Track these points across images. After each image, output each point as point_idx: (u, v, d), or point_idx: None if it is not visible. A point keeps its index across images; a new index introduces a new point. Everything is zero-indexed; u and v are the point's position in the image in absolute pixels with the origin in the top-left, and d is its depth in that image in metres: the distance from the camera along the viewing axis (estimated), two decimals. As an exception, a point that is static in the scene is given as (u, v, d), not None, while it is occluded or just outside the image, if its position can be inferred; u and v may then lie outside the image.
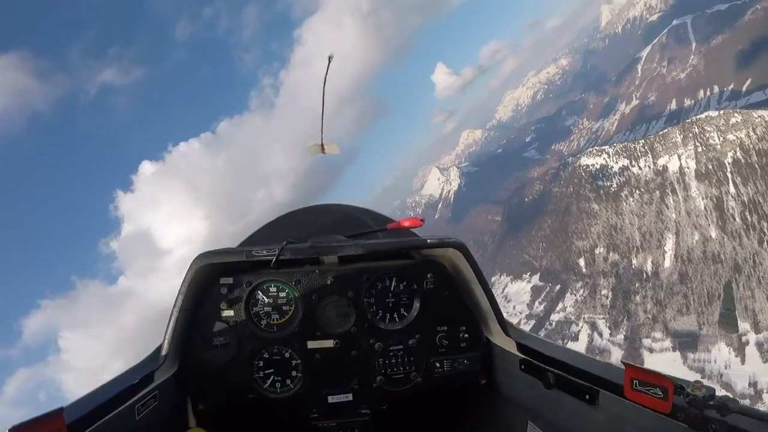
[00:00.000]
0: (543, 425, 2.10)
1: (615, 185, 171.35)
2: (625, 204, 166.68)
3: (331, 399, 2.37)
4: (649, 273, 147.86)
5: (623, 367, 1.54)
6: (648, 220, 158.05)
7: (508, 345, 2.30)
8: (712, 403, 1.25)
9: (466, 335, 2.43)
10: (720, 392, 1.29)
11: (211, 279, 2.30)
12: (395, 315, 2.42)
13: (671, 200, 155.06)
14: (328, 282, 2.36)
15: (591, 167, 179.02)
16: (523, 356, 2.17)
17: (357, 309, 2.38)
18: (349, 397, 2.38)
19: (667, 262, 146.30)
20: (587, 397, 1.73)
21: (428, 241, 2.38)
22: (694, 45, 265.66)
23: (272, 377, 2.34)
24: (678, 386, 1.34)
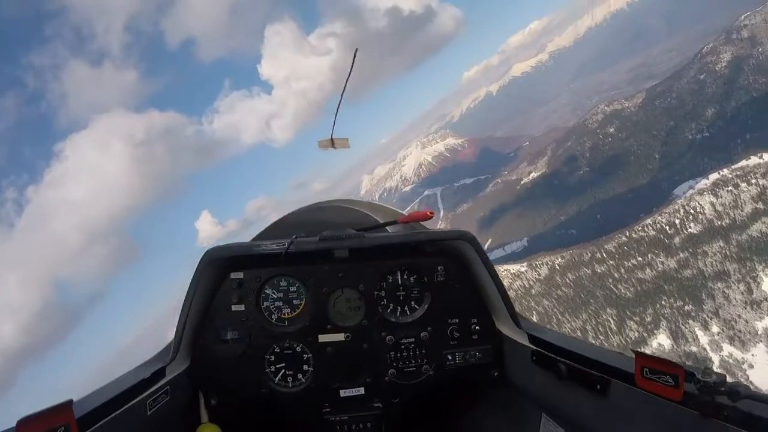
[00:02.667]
0: (556, 416, 2.07)
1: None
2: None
3: (343, 393, 2.34)
4: None
5: (633, 355, 1.52)
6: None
7: (520, 337, 2.26)
8: (723, 389, 1.24)
9: (477, 327, 2.39)
10: (731, 378, 1.27)
11: (222, 274, 2.29)
12: (406, 308, 2.39)
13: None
14: (339, 276, 2.33)
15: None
16: (534, 348, 2.14)
17: (368, 302, 2.35)
18: (361, 390, 2.35)
19: None
20: (598, 387, 1.70)
21: (438, 234, 2.42)
22: (442, 212, 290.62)
23: (284, 371, 2.31)
24: (689, 373, 1.33)
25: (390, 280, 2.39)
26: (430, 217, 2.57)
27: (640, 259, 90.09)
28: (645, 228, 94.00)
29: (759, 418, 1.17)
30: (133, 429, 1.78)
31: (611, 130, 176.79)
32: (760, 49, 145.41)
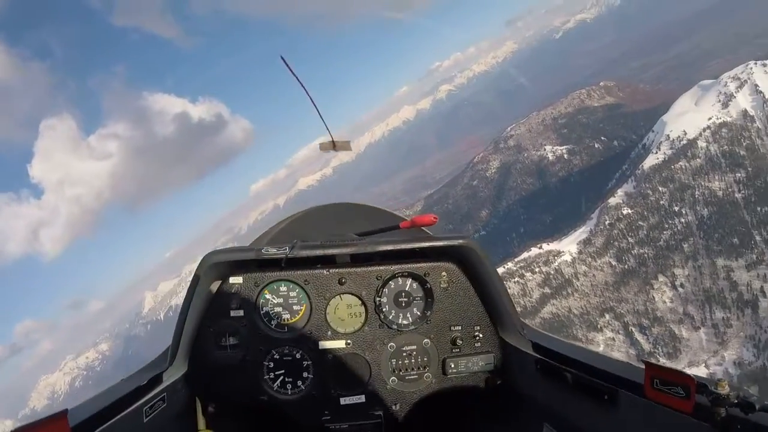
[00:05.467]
0: (561, 426, 2.02)
1: None
2: None
3: (343, 400, 2.30)
4: None
5: (643, 365, 1.47)
6: None
7: (524, 345, 2.22)
8: (736, 401, 1.19)
9: (480, 335, 2.36)
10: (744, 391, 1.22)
11: (221, 279, 2.25)
12: (409, 314, 2.36)
13: None
14: (340, 281, 2.28)
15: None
16: (539, 356, 2.10)
17: (369, 309, 2.31)
18: (362, 398, 2.31)
19: None
20: (606, 397, 1.66)
21: (441, 240, 2.34)
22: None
23: (283, 378, 2.28)
24: (700, 385, 1.28)
25: (392, 286, 2.34)
26: (434, 222, 2.54)
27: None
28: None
29: None
30: None
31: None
32: (525, 154, 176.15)
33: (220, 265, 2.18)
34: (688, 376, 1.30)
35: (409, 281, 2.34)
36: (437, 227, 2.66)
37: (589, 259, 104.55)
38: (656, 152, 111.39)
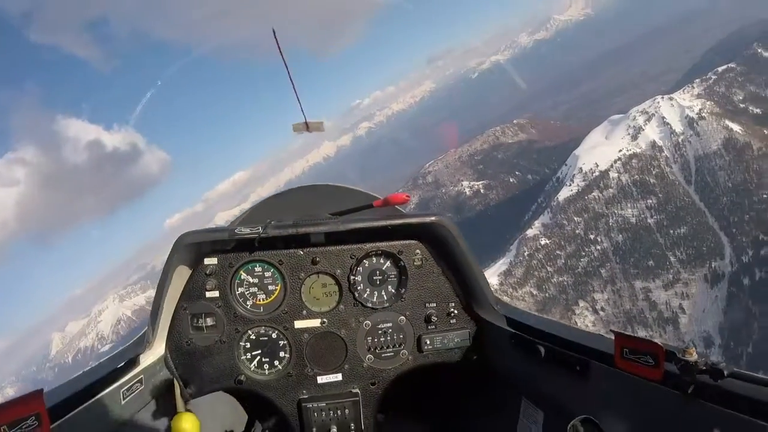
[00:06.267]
0: (536, 399, 2.08)
1: None
2: None
3: (320, 379, 2.34)
4: None
5: (613, 336, 1.50)
6: None
7: (498, 320, 2.26)
8: (704, 368, 1.21)
9: (455, 311, 2.40)
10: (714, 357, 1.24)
11: (195, 260, 2.26)
12: (383, 293, 2.38)
13: None
14: (314, 261, 2.31)
15: None
16: (513, 331, 2.13)
17: (344, 287, 2.34)
18: (339, 376, 2.35)
19: None
20: (578, 368, 1.69)
21: (413, 217, 2.35)
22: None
23: (260, 358, 2.31)
24: (669, 352, 1.31)
25: (366, 265, 2.36)
26: (407, 201, 2.55)
27: None
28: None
29: (742, 397, 1.14)
30: (107, 418, 1.74)
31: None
32: (443, 190, 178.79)
33: (193, 246, 2.19)
34: (657, 344, 1.33)
35: (383, 259, 2.37)
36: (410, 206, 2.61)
37: (510, 289, 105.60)
38: (570, 184, 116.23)
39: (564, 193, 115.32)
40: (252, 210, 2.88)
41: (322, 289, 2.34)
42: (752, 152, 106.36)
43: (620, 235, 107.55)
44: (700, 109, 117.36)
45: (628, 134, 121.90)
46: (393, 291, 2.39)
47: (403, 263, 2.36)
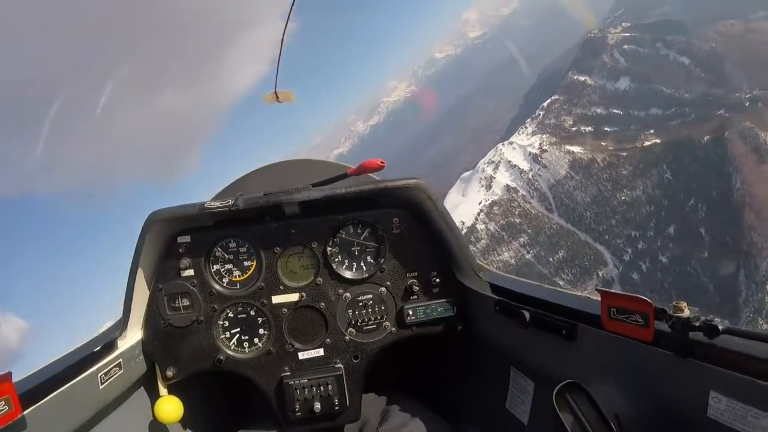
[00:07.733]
0: (524, 367, 2.02)
1: None
2: None
3: (302, 355, 2.27)
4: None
5: (600, 296, 1.41)
6: None
7: (482, 287, 2.18)
8: (697, 325, 1.13)
9: (437, 280, 2.30)
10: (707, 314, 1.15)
11: (168, 239, 2.18)
12: (362, 263, 2.30)
13: None
14: (290, 233, 2.24)
15: None
16: (497, 297, 2.07)
17: (321, 260, 2.26)
18: (321, 351, 2.27)
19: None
20: (564, 332, 1.62)
21: (388, 183, 2.25)
22: None
23: (239, 336, 2.25)
24: (659, 310, 1.22)
25: (344, 235, 2.28)
26: (383, 167, 2.41)
27: None
28: None
29: (739, 354, 1.06)
30: (84, 404, 1.70)
31: None
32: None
33: (165, 224, 2.10)
34: (646, 301, 1.25)
35: (360, 229, 2.27)
36: (386, 172, 2.46)
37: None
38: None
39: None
40: (226, 188, 2.73)
41: (299, 263, 2.27)
42: (598, 164, 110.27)
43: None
44: (539, 144, 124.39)
45: (482, 186, 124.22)
46: (372, 262, 2.29)
47: (381, 232, 2.27)
